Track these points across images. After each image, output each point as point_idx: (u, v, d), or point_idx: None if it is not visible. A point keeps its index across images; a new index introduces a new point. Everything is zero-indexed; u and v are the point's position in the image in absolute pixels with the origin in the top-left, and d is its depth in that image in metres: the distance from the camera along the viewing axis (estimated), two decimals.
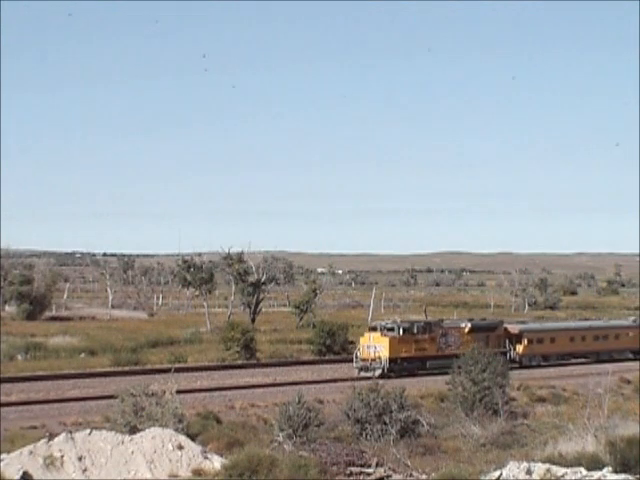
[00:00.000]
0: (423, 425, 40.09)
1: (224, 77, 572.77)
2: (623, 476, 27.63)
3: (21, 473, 26.68)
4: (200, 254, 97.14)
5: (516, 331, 63.85)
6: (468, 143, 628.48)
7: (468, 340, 58.87)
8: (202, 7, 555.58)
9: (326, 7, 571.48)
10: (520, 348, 63.37)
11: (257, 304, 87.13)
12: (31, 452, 27.64)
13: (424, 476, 31.62)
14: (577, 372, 61.72)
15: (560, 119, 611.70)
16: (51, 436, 29.17)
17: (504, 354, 60.02)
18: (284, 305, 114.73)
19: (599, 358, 67.31)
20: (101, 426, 33.31)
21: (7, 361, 58.80)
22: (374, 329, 57.47)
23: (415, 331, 57.65)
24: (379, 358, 55.49)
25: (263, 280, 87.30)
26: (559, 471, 27.58)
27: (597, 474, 27.45)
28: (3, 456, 27.49)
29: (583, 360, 70.04)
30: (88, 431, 29.21)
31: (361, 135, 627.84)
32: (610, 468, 28.21)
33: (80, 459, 27.87)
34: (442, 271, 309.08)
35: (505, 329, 63.49)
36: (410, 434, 38.65)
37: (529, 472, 27.66)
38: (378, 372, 54.63)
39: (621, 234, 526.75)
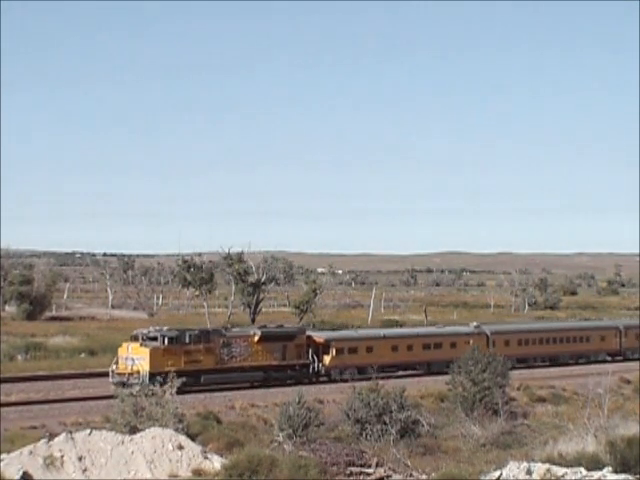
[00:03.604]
0: (423, 425, 40.10)
1: (225, 77, 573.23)
2: (623, 476, 27.65)
3: (21, 473, 26.70)
4: (200, 254, 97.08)
5: (322, 340, 55.67)
6: (468, 143, 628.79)
7: (259, 350, 52.19)
8: (203, 7, 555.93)
9: (328, 7, 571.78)
10: (327, 359, 55.00)
11: (257, 304, 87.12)
12: (31, 452, 27.65)
13: (424, 476, 31.63)
14: (577, 372, 61.67)
15: (560, 119, 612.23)
16: (51, 436, 29.19)
17: (306, 366, 54.19)
18: (284, 305, 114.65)
19: (431, 370, 58.64)
20: (101, 426, 33.32)
21: (7, 361, 58.79)
22: (135, 338, 48.99)
23: (186, 340, 49.32)
24: (138, 372, 47.14)
25: (263, 280, 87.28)
26: (559, 471, 27.60)
27: (597, 474, 27.47)
28: (3, 456, 27.50)
29: (584, 360, 69.28)
30: (88, 431, 29.24)
31: (361, 135, 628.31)
32: (610, 468, 28.22)
33: (80, 459, 27.88)
34: (442, 271, 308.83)
35: (309, 337, 55.38)
36: (410, 434, 38.66)
37: (529, 472, 27.68)
38: (136, 389, 47.58)
39: (621, 234, 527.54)
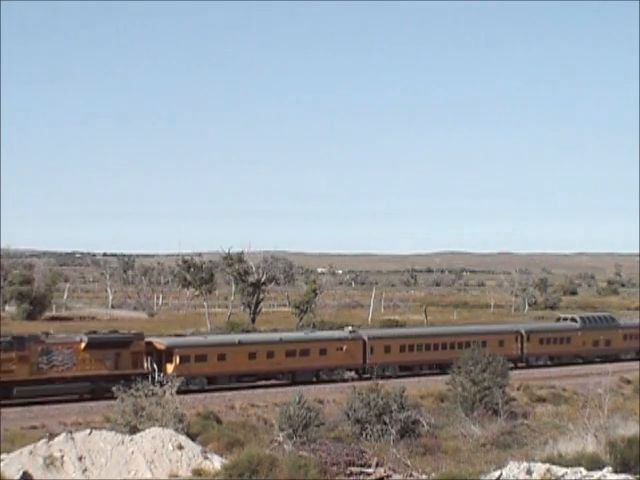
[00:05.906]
0: (423, 425, 40.12)
1: (225, 77, 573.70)
2: (623, 476, 27.61)
3: (21, 473, 26.70)
4: (200, 254, 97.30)
5: (163, 346, 50.86)
6: (469, 143, 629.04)
7: (87, 358, 47.07)
8: (203, 6, 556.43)
9: (327, 6, 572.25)
10: (170, 368, 49.76)
11: (257, 304, 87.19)
12: (31, 452, 27.66)
13: (424, 476, 31.63)
14: (577, 372, 61.72)
15: (561, 119, 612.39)
16: (51, 436, 29.18)
17: (144, 376, 45.58)
18: (284, 305, 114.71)
19: (296, 379, 53.71)
20: (101, 426, 33.35)
21: None
22: None
23: None
24: None
25: (263, 280, 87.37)
26: (559, 471, 27.56)
27: (597, 474, 27.43)
28: (3, 456, 27.51)
29: (582, 360, 69.19)
30: (88, 431, 29.24)
31: (361, 135, 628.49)
32: (610, 468, 28.19)
33: (80, 459, 27.88)
34: (442, 271, 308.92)
35: (148, 344, 50.30)
36: (410, 434, 38.69)
37: (529, 472, 27.65)
38: None
39: (621, 234, 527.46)
